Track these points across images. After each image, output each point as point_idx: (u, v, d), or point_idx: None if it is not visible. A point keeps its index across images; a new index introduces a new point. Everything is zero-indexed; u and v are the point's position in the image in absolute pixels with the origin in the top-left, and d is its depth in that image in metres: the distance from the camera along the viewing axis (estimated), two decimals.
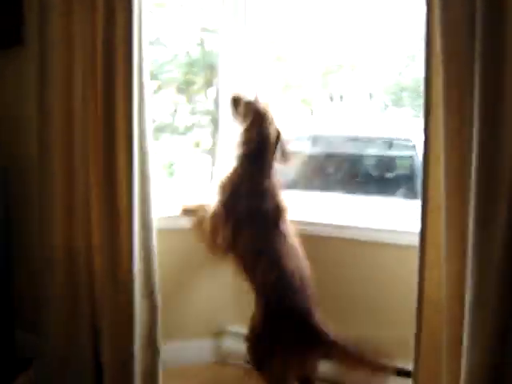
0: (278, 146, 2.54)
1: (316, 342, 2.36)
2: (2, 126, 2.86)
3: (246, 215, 2.49)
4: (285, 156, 2.57)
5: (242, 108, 2.56)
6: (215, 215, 2.54)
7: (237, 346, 2.94)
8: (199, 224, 2.64)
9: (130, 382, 2.51)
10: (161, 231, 2.67)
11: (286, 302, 2.40)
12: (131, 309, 2.51)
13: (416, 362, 2.22)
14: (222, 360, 3.02)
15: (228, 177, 2.55)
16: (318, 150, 3.93)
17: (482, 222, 1.90)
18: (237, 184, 2.52)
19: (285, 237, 2.48)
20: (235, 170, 2.54)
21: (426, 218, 2.13)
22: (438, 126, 2.06)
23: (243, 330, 2.91)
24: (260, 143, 2.50)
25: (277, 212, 2.50)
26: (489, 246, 1.89)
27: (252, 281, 2.50)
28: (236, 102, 2.60)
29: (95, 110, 2.55)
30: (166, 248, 2.81)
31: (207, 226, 2.57)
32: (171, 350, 2.86)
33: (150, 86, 2.55)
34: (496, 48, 1.85)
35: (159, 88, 3.53)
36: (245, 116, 2.54)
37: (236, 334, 2.96)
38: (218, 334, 3.03)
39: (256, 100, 2.55)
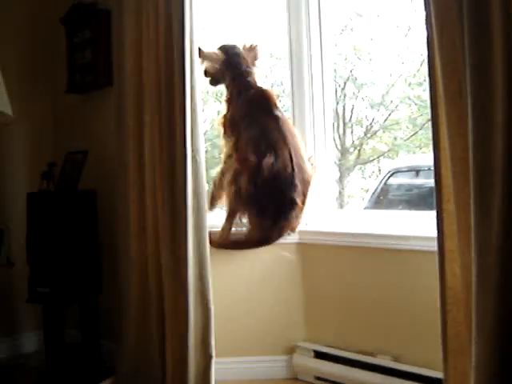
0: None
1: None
2: (94, 155, 3.29)
3: (240, 109, 2.86)
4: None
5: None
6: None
7: (307, 362, 2.99)
8: None
9: (184, 381, 2.69)
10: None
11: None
12: (187, 311, 2.70)
13: (445, 361, 2.13)
14: (293, 376, 3.05)
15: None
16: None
17: (480, 213, 1.88)
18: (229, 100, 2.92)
19: (277, 121, 2.80)
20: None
21: (442, 209, 2.09)
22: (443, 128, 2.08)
23: (314, 346, 2.98)
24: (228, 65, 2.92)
25: (263, 94, 2.84)
26: (487, 231, 1.85)
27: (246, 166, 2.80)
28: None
29: (159, 134, 2.87)
30: (239, 265, 3.03)
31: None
32: (242, 365, 3.02)
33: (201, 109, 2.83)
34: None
35: None
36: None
37: (306, 351, 3.00)
38: (289, 350, 3.08)
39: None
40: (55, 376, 3.12)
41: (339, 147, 4.05)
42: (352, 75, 3.97)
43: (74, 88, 3.51)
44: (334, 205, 3.24)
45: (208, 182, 2.93)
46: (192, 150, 2.74)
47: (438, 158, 2.09)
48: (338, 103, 3.93)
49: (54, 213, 3.11)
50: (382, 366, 2.77)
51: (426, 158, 4.73)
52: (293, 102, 3.15)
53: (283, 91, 5.74)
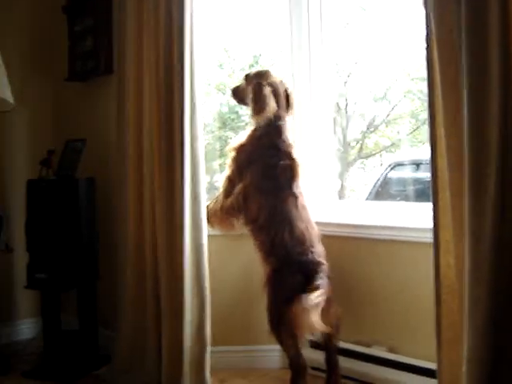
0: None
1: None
2: (93, 143, 3.31)
3: (262, 173, 2.62)
4: (290, 106, 2.78)
5: (242, 91, 2.79)
6: (230, 177, 2.72)
7: (304, 352, 2.98)
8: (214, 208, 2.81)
9: (179, 368, 2.70)
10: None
11: (296, 258, 2.52)
12: (182, 299, 2.72)
13: (439, 350, 2.13)
14: (288, 366, 3.05)
15: (242, 141, 2.73)
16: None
17: (474, 203, 1.87)
18: (252, 145, 2.68)
19: (296, 198, 2.61)
20: (249, 136, 2.71)
21: (437, 200, 2.08)
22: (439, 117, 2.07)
23: (311, 337, 2.98)
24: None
25: (291, 170, 2.63)
26: (481, 221, 1.85)
27: (262, 241, 2.62)
28: (235, 91, 2.85)
29: (158, 122, 2.87)
30: (237, 253, 3.03)
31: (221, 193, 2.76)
32: (237, 354, 3.04)
33: (201, 97, 2.82)
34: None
35: None
36: (249, 93, 2.73)
37: (304, 341, 3.00)
38: None
39: (250, 75, 2.78)
40: (52, 363, 3.13)
41: (341, 141, 4.03)
42: (356, 69, 3.95)
43: (74, 76, 3.52)
44: (335, 197, 3.24)
45: (207, 173, 2.92)
46: (191, 138, 2.74)
47: (434, 149, 2.09)
48: (341, 97, 3.92)
49: (52, 200, 3.11)
50: (377, 357, 2.78)
51: (427, 152, 4.69)
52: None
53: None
